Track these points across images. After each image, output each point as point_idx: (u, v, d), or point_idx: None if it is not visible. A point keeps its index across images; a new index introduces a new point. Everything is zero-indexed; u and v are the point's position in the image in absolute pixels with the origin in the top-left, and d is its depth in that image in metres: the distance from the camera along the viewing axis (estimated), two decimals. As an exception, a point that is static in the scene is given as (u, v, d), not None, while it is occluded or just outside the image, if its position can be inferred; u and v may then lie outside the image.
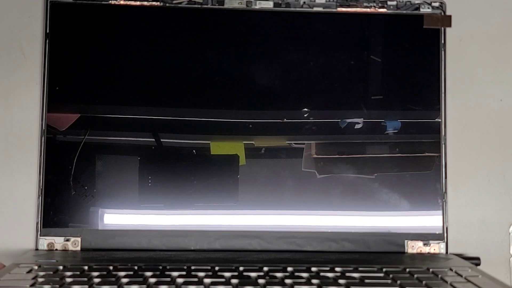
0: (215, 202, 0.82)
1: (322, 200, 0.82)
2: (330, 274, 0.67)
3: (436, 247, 0.81)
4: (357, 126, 0.83)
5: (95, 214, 0.81)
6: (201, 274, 0.66)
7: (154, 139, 0.82)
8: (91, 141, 0.82)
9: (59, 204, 0.81)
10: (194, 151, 0.82)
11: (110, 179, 0.82)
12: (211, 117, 0.83)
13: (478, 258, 0.81)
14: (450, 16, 0.84)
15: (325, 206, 0.82)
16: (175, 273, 0.66)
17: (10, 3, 0.84)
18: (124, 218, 0.82)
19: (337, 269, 0.69)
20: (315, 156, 0.83)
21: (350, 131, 0.83)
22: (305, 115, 0.83)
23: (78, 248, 0.80)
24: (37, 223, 0.80)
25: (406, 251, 0.81)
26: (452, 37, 0.85)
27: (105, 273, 0.66)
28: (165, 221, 0.82)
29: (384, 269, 0.69)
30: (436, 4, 0.84)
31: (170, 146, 0.83)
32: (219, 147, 0.83)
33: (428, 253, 0.81)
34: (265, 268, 0.68)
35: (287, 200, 0.82)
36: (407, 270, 0.69)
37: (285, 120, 0.83)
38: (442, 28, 0.84)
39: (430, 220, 0.82)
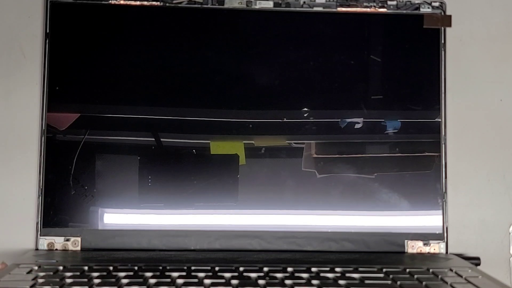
0: (215, 202, 0.82)
1: (322, 200, 0.82)
2: (330, 275, 0.67)
3: (436, 247, 0.81)
4: (357, 126, 0.83)
5: (95, 214, 0.81)
6: (201, 274, 0.66)
7: (154, 139, 0.82)
8: (91, 141, 0.82)
9: (59, 204, 0.81)
10: (194, 150, 0.82)
11: (110, 179, 0.82)
12: (211, 117, 0.83)
13: (478, 258, 0.81)
14: (450, 16, 0.84)
15: (325, 206, 0.82)
16: (175, 274, 0.66)
17: (10, 2, 0.84)
18: (124, 218, 0.81)
19: (337, 269, 0.69)
20: (315, 156, 0.83)
21: (350, 131, 0.83)
22: (305, 115, 0.83)
23: (78, 248, 0.80)
24: (37, 223, 0.80)
25: (406, 251, 0.81)
26: (452, 37, 0.85)
27: (105, 273, 0.66)
28: (165, 221, 0.81)
29: (384, 270, 0.69)
30: (436, 4, 0.84)
31: (170, 145, 0.82)
32: (219, 147, 0.83)
33: (428, 253, 0.81)
34: (265, 269, 0.68)
35: (287, 200, 0.82)
36: (407, 270, 0.69)
37: (285, 120, 0.83)
38: (442, 28, 0.84)
39: (430, 220, 0.82)
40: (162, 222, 0.81)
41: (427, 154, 0.83)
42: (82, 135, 0.82)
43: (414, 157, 0.83)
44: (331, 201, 0.82)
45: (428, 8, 0.84)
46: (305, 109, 0.83)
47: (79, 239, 0.80)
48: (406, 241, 0.81)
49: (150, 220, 0.81)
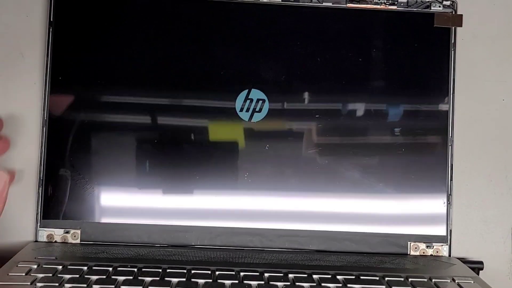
0: (214, 186, 0.81)
1: (323, 201, 0.81)
2: (331, 285, 0.66)
3: (439, 250, 0.81)
4: (359, 125, 0.82)
5: (95, 207, 0.80)
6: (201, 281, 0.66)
7: (158, 132, 0.81)
8: (93, 133, 0.81)
9: (59, 195, 0.80)
10: (192, 135, 0.81)
11: (112, 172, 0.81)
12: (212, 117, 0.82)
13: (481, 262, 0.80)
14: (461, 16, 0.82)
15: (326, 207, 0.81)
16: (175, 280, 0.66)
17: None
18: (123, 211, 0.81)
19: (339, 277, 0.68)
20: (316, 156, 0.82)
21: (354, 133, 0.82)
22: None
23: (78, 241, 0.79)
24: (37, 214, 0.80)
25: (408, 252, 0.80)
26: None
27: (104, 277, 0.66)
28: (164, 208, 0.81)
29: (386, 279, 0.69)
30: (447, 3, 0.82)
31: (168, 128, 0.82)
32: (218, 131, 0.81)
33: (431, 255, 0.80)
34: (266, 275, 0.68)
35: (289, 185, 0.81)
36: (410, 280, 0.69)
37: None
38: (453, 28, 0.82)
39: (434, 222, 0.81)
40: (162, 213, 0.81)
41: (431, 154, 0.82)
42: (84, 127, 0.80)
43: (419, 156, 0.82)
44: (333, 202, 0.81)
45: (439, 6, 0.82)
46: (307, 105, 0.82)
47: (78, 231, 0.80)
48: (409, 242, 0.81)
49: (149, 213, 0.80)
